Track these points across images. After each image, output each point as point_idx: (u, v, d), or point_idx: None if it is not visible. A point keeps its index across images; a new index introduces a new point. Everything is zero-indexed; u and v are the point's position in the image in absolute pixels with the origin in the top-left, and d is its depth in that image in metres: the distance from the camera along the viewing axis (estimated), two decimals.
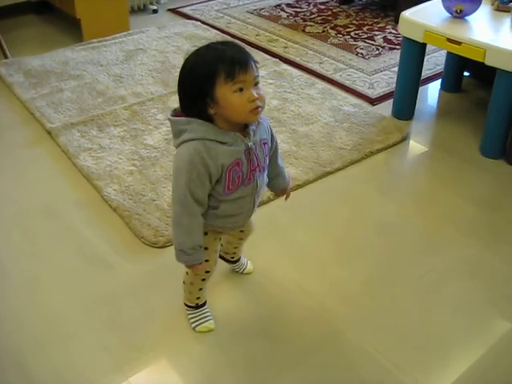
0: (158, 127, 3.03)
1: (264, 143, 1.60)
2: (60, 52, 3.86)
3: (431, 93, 3.51)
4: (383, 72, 3.68)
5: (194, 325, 1.94)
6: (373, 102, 3.34)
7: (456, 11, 2.84)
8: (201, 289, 1.91)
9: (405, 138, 3.01)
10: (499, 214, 2.52)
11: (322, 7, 4.75)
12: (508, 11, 2.95)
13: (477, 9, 2.87)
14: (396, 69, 3.60)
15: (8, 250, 2.28)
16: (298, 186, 2.61)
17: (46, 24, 4.36)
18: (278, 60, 3.77)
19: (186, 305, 1.97)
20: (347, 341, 1.92)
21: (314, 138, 2.95)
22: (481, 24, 2.88)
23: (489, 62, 2.64)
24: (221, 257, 2.09)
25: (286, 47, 3.99)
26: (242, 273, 2.16)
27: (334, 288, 2.12)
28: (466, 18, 2.89)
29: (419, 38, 2.87)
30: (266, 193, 2.38)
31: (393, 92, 3.32)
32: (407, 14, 2.95)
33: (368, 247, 2.33)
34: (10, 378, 1.78)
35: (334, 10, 4.68)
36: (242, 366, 1.83)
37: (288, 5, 4.79)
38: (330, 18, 4.53)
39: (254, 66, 1.46)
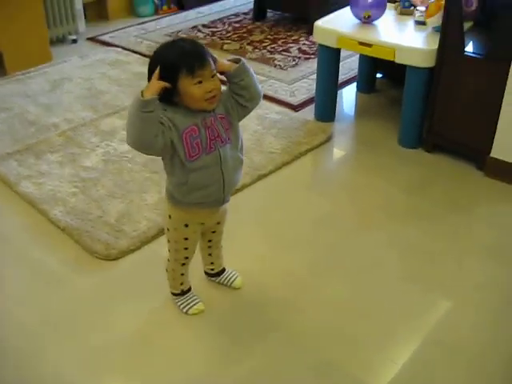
0: (94, 149, 3.11)
1: (221, 117, 1.77)
2: None
3: (348, 95, 3.76)
4: (302, 80, 3.90)
5: (185, 309, 2.11)
6: (295, 108, 3.55)
7: (364, 17, 3.10)
8: (182, 274, 2.08)
9: (329, 138, 3.23)
10: (424, 197, 2.76)
11: (237, 25, 4.95)
12: (410, 14, 3.23)
13: (383, 14, 3.14)
14: (313, 76, 3.84)
15: None
16: (237, 190, 2.75)
17: None
18: None
19: (173, 293, 2.13)
20: (302, 319, 2.08)
21: (246, 144, 3.05)
22: (388, 27, 3.14)
23: (399, 60, 2.89)
24: (206, 273, 2.25)
25: None
26: (229, 286, 2.23)
27: (282, 277, 2.29)
28: (374, 22, 3.15)
29: (333, 44, 3.10)
30: None
31: (313, 98, 3.55)
32: (320, 23, 3.18)
33: (306, 239, 2.51)
34: None
35: (249, 27, 4.89)
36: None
37: (204, 25, 4.98)
38: (245, 34, 4.73)
39: (211, 61, 1.68)
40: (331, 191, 2.85)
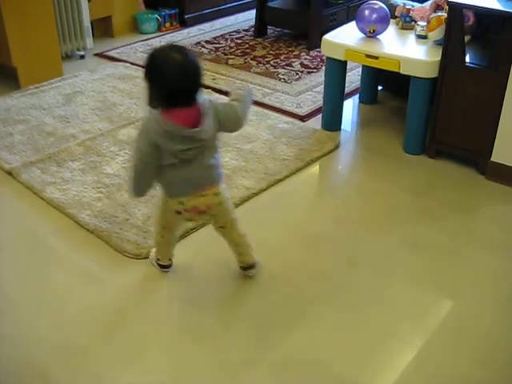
0: (114, 158, 3.26)
1: None
2: None
3: (352, 106, 3.94)
4: (307, 93, 4.08)
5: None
6: (303, 118, 3.72)
7: (369, 31, 3.29)
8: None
9: (338, 146, 3.41)
10: (429, 199, 2.94)
11: (239, 41, 5.14)
12: (411, 29, 3.43)
13: (386, 28, 3.33)
14: (317, 89, 4.06)
15: (4, 279, 2.46)
16: (254, 194, 2.93)
17: None
18: (209, 90, 4.07)
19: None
20: (325, 308, 2.24)
21: (259, 153, 3.29)
22: (392, 41, 3.33)
23: (404, 71, 3.08)
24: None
25: (214, 79, 4.32)
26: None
27: (305, 268, 2.47)
28: (378, 36, 3.34)
29: (341, 57, 3.29)
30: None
31: (319, 109, 3.74)
32: (328, 37, 3.36)
33: (321, 238, 2.68)
34: None
35: (251, 43, 5.08)
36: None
37: (207, 42, 5.15)
38: (248, 50, 4.92)
39: None
40: (342, 194, 3.03)
